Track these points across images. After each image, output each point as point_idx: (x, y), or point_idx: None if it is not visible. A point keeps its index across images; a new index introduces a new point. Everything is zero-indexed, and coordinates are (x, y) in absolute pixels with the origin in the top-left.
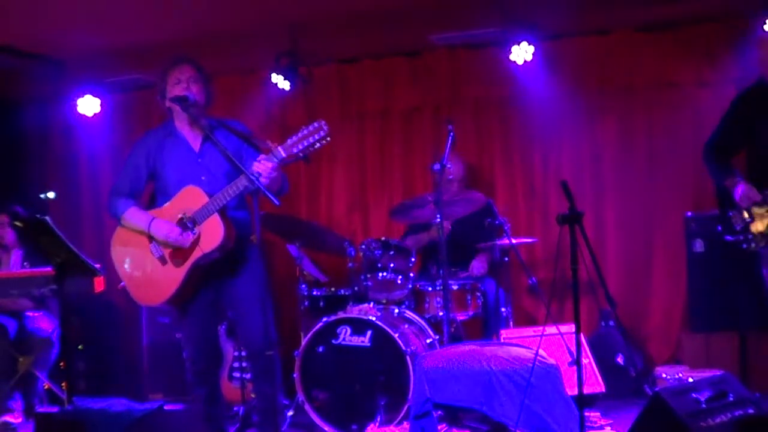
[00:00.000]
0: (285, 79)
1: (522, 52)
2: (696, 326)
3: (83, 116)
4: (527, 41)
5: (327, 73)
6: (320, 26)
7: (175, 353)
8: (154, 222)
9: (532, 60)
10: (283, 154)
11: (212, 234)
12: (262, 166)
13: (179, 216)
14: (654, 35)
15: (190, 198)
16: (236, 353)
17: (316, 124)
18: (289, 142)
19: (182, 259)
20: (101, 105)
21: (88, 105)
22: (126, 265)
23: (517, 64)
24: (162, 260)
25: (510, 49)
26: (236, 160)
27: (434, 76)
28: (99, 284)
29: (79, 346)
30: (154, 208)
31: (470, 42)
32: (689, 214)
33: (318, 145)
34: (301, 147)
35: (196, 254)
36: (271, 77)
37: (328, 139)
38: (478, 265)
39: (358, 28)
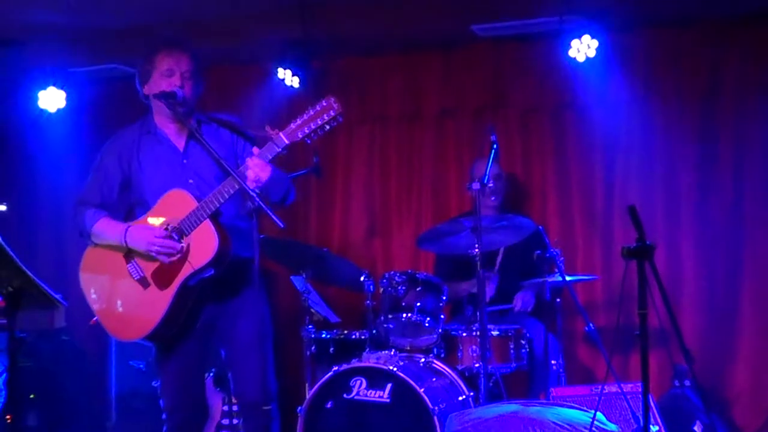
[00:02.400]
0: (293, 74)
1: (584, 47)
2: None
3: (45, 112)
4: (590, 34)
5: (344, 68)
6: (338, 11)
7: (149, 405)
8: (131, 230)
9: (595, 57)
10: (287, 141)
11: (204, 245)
12: (254, 168)
13: (163, 227)
14: (744, 28)
15: (176, 204)
16: (226, 407)
17: (324, 103)
18: (292, 125)
19: (168, 279)
20: (67, 99)
21: (52, 98)
22: (98, 292)
23: (577, 62)
24: (143, 282)
25: (569, 44)
26: (230, 159)
27: (475, 75)
28: (59, 319)
29: (31, 395)
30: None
31: (520, 34)
32: None
33: (328, 127)
34: (307, 130)
35: (186, 271)
36: (276, 72)
37: (340, 119)
38: (523, 299)
39: (384, 14)
